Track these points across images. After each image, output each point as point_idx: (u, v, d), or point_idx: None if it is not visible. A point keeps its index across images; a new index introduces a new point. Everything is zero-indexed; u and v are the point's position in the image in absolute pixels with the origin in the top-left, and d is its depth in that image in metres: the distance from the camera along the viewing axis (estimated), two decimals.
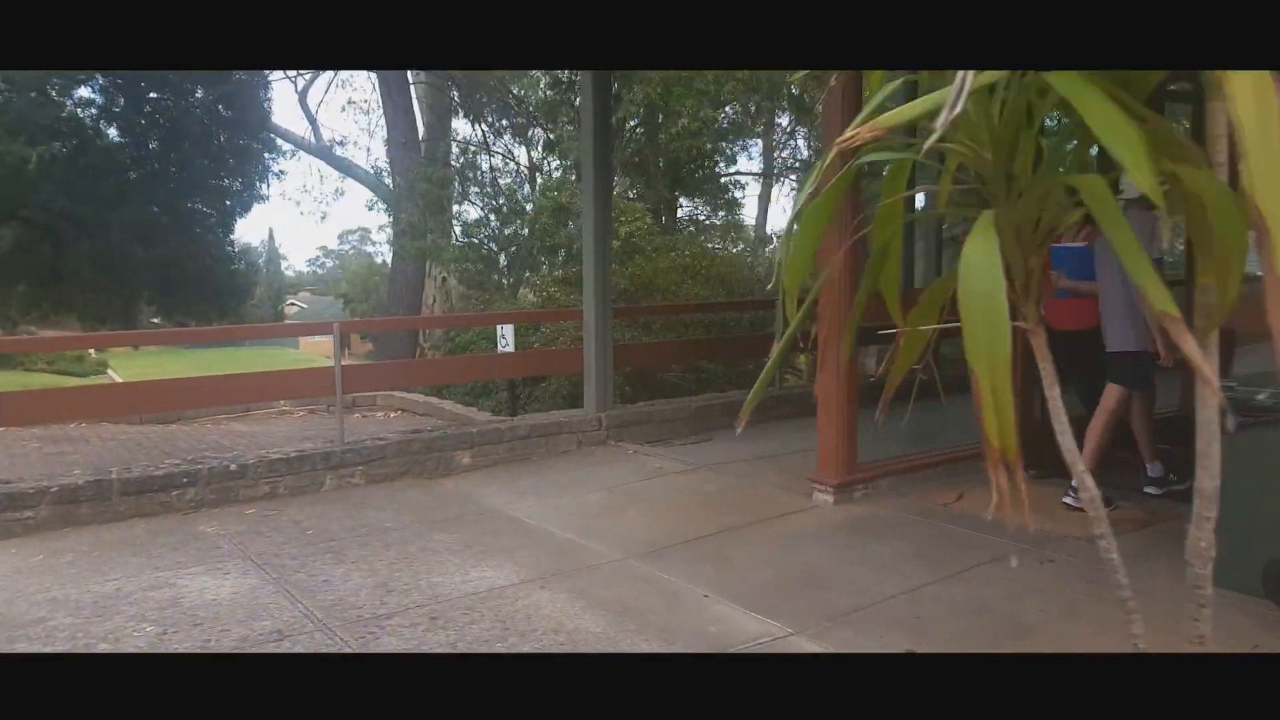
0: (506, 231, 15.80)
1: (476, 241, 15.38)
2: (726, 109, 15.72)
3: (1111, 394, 4.93)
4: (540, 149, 17.05)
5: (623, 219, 11.37)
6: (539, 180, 17.36)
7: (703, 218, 18.64)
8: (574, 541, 4.72)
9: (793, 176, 20.03)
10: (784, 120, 18.17)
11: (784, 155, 20.72)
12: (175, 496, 5.31)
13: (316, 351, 33.46)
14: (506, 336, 8.09)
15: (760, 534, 4.79)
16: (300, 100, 21.81)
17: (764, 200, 22.92)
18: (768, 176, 21.38)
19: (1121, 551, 4.30)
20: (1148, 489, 5.28)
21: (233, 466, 5.51)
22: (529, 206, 16.09)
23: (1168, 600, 3.66)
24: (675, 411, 7.27)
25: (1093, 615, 3.65)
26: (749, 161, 20.64)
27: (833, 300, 5.12)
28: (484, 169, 17.42)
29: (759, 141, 20.02)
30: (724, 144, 16.55)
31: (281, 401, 11.44)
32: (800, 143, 19.39)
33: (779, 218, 22.61)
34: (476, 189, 16.98)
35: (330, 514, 5.26)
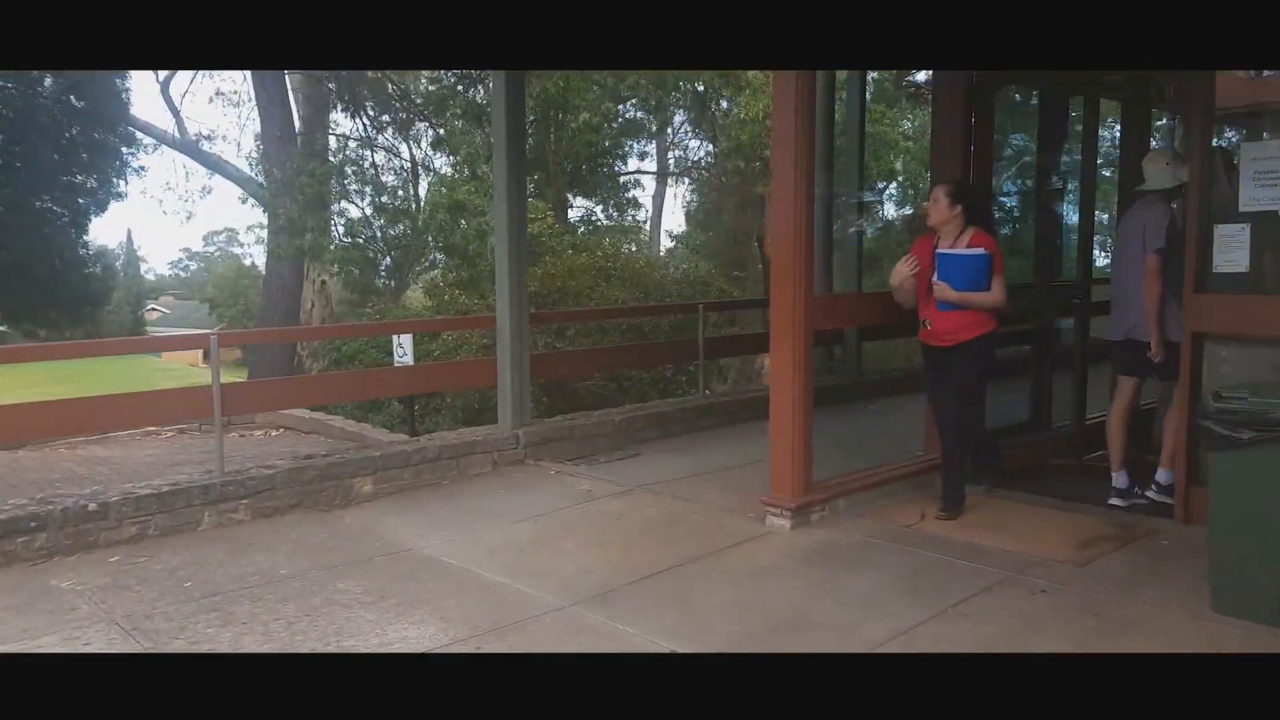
0: (393, 232, 14.94)
1: (361, 241, 14.47)
2: (627, 104, 15.23)
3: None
4: (428, 145, 16.19)
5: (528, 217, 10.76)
6: (425, 177, 16.55)
7: (596, 218, 18.13)
8: (506, 585, 4.11)
9: (689, 176, 19.71)
10: (678, 119, 17.81)
11: (679, 155, 20.37)
12: (21, 544, 4.44)
13: (182, 362, 31.52)
14: (405, 347, 7.34)
15: (718, 568, 4.26)
16: (163, 91, 20.02)
17: (659, 200, 22.63)
18: (664, 175, 21.00)
19: (1115, 576, 3.98)
20: (1114, 501, 5.01)
21: (92, 505, 4.66)
22: (414, 206, 15.28)
23: (1200, 633, 3.28)
24: (598, 426, 6.69)
25: (1107, 652, 3.27)
26: (640, 161, 20.26)
27: (789, 279, 4.64)
28: (366, 165, 16.52)
29: (654, 142, 19.64)
30: (624, 139, 16.06)
31: None
32: (696, 143, 19.06)
33: (669, 219, 22.43)
34: (357, 187, 16.06)
35: (212, 559, 4.49)
